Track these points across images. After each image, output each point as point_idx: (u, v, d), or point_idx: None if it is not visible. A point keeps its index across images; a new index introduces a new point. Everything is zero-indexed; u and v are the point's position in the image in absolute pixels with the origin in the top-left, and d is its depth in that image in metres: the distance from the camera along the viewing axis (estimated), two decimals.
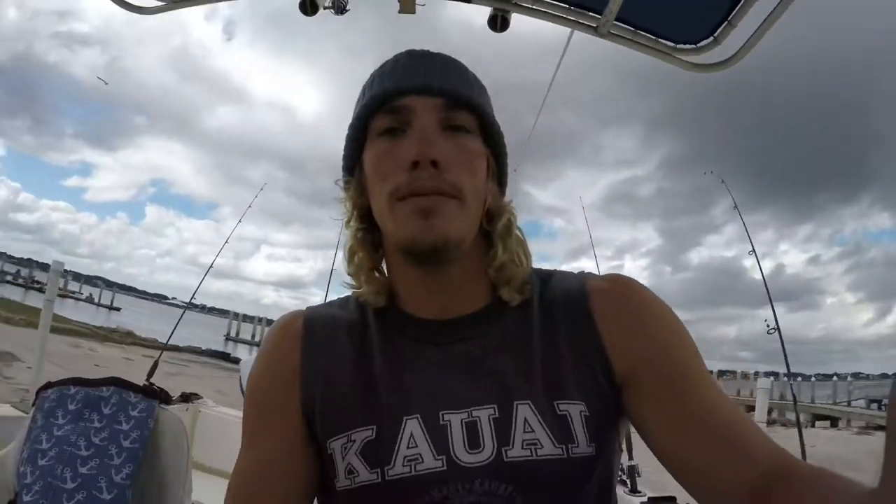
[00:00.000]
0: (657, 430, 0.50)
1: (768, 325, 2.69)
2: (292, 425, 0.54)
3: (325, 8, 1.35)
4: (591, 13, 1.34)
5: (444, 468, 0.48)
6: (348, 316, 0.59)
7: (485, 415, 0.50)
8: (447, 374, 0.53)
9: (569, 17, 1.31)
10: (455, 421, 0.50)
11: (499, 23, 1.26)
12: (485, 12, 1.28)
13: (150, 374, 2.08)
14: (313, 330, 0.58)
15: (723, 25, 1.34)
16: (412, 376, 0.53)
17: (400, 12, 1.28)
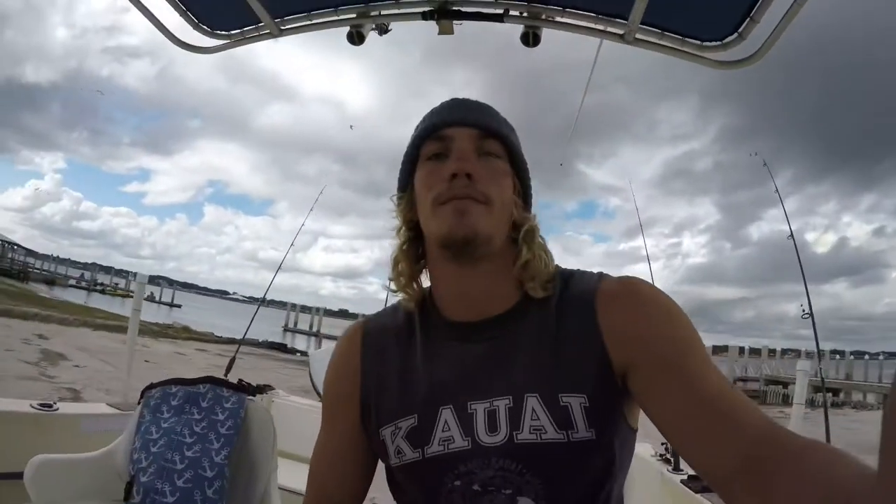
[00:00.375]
0: (657, 408, 0.56)
1: (803, 310, 2.69)
2: (353, 418, 0.69)
3: (368, 34, 1.47)
4: (617, 19, 1.41)
5: (469, 447, 0.60)
6: (396, 322, 0.72)
7: (502, 404, 0.60)
8: (474, 369, 0.63)
9: (596, 26, 1.39)
10: (480, 410, 0.61)
11: (531, 39, 1.35)
12: (518, 29, 1.38)
13: (228, 369, 2.29)
14: (369, 340, 0.72)
15: (746, 21, 1.39)
16: (447, 371, 0.64)
17: (439, 34, 1.39)
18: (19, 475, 1.38)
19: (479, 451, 0.59)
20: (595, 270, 0.69)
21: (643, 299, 0.61)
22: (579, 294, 0.64)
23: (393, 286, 0.71)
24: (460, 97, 0.73)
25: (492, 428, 0.60)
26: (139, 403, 1.45)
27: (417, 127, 0.72)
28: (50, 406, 1.88)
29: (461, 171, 0.63)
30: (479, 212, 0.62)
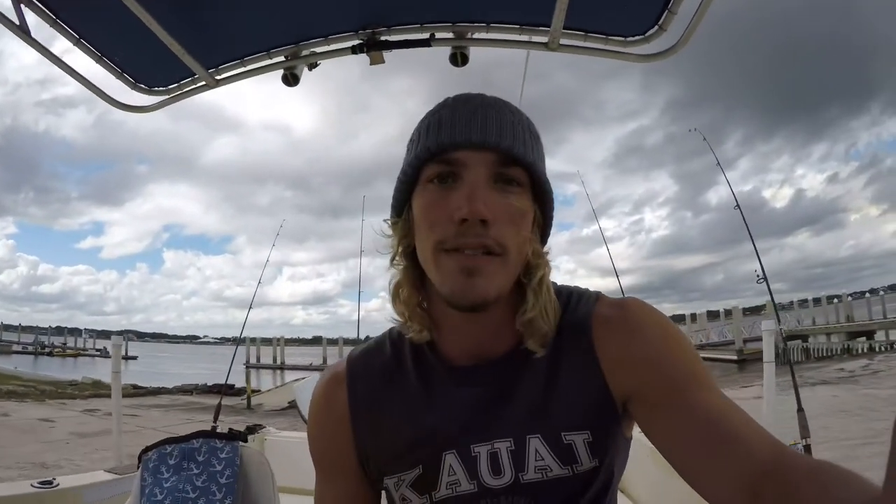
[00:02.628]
0: (661, 434, 0.55)
1: (757, 275, 2.82)
2: (353, 474, 0.65)
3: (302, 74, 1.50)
4: (540, 27, 1.46)
5: (476, 490, 0.59)
6: (384, 362, 0.66)
7: (504, 447, 0.59)
8: (474, 412, 0.60)
9: (520, 38, 1.44)
10: (483, 452, 0.59)
11: (459, 59, 1.40)
12: (446, 51, 1.42)
13: (216, 416, 2.31)
14: (356, 385, 0.65)
15: (665, 13, 1.45)
16: (447, 416, 0.61)
17: (371, 64, 1.42)
18: None
19: (485, 493, 0.59)
20: (594, 291, 0.65)
21: (640, 324, 0.59)
22: (576, 323, 0.61)
23: (399, 318, 0.63)
24: (473, 96, 0.59)
25: (495, 470, 0.59)
26: (138, 468, 1.47)
27: (419, 135, 0.59)
28: (50, 483, 1.88)
29: (475, 216, 0.53)
30: (491, 270, 0.55)
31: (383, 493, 0.67)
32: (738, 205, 2.84)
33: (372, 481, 0.65)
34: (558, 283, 0.66)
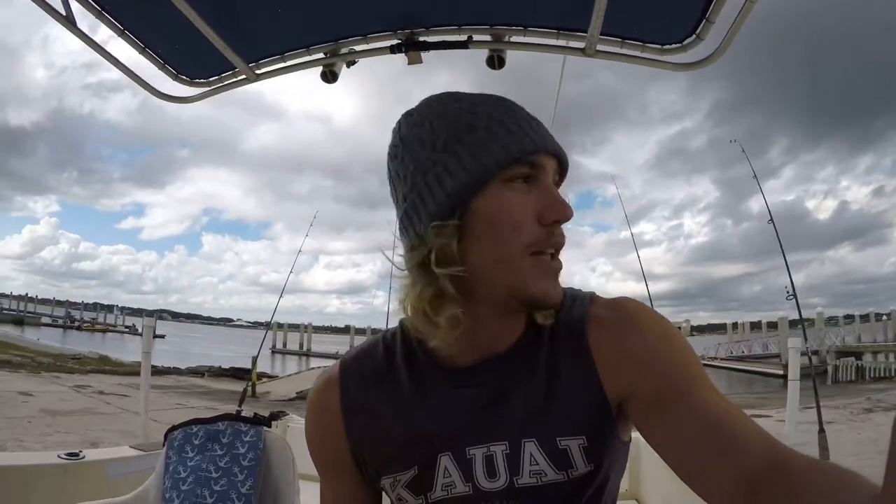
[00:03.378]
0: (658, 435, 0.55)
1: (787, 291, 2.77)
2: (350, 470, 0.66)
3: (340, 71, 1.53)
4: (577, 33, 1.47)
5: (471, 492, 0.59)
6: (376, 364, 0.66)
7: (499, 450, 0.59)
8: (470, 414, 0.60)
9: (557, 42, 1.45)
10: (478, 455, 0.59)
11: (496, 62, 1.41)
12: (483, 54, 1.44)
13: (241, 401, 2.36)
14: (348, 390, 0.65)
15: (702, 23, 1.45)
16: (442, 418, 0.61)
17: (409, 64, 1.44)
18: None
19: (480, 496, 0.59)
20: (587, 291, 0.65)
21: (635, 323, 0.59)
22: (571, 324, 0.61)
23: (427, 330, 0.58)
24: (511, 102, 0.60)
25: (490, 474, 0.59)
26: (164, 446, 1.52)
27: (480, 135, 0.56)
28: (76, 455, 1.95)
29: (566, 219, 0.56)
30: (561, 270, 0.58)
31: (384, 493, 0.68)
32: (771, 219, 2.80)
33: (370, 481, 0.66)
34: None
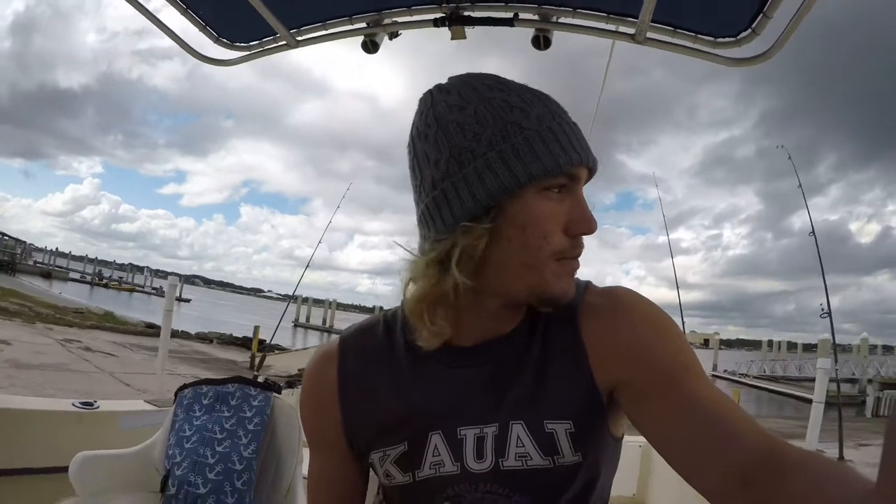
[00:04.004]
0: (649, 424, 0.54)
1: (822, 308, 2.65)
2: (340, 448, 0.66)
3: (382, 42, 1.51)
4: (628, 18, 1.42)
5: (458, 472, 0.60)
6: (376, 341, 0.66)
7: (489, 431, 0.59)
8: (463, 395, 0.61)
9: (607, 27, 1.40)
10: (469, 436, 0.60)
11: (542, 42, 1.37)
12: (528, 33, 1.39)
13: (259, 366, 2.37)
14: (346, 365, 0.66)
15: (759, 17, 1.38)
16: (436, 396, 0.61)
17: (452, 39, 1.41)
18: (64, 469, 1.47)
19: (467, 476, 0.60)
20: (583, 280, 0.65)
21: (627, 312, 0.59)
22: (565, 310, 0.61)
23: (424, 323, 0.59)
24: (561, 107, 0.59)
25: (479, 455, 0.59)
26: (173, 403, 1.53)
27: (522, 137, 0.54)
28: (91, 404, 1.99)
29: (592, 232, 0.57)
30: None
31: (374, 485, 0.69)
32: (813, 231, 2.68)
33: (358, 456, 0.66)
34: None
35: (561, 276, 0.57)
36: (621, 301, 0.60)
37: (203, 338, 18.08)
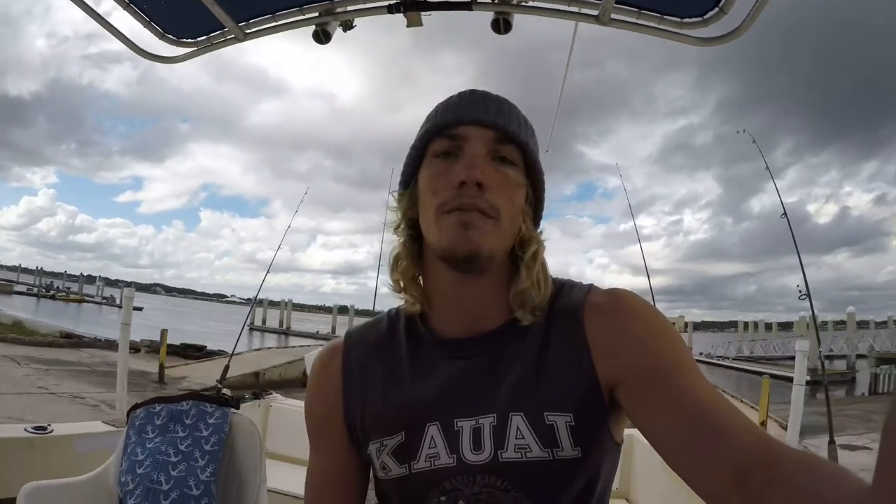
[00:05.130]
0: (647, 422, 0.55)
1: (799, 290, 2.64)
2: (340, 439, 0.67)
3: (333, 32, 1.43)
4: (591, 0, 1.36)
5: (454, 464, 0.59)
6: (378, 335, 0.69)
7: (487, 422, 0.59)
8: (462, 386, 0.62)
9: (569, 8, 1.33)
10: (466, 427, 0.60)
11: (501, 25, 1.30)
12: (488, 17, 1.33)
13: (222, 377, 2.27)
14: (350, 358, 0.69)
15: None
16: (433, 387, 0.62)
17: (408, 26, 1.34)
18: (13, 501, 1.37)
19: (464, 469, 0.59)
20: (585, 282, 0.67)
21: (631, 313, 0.60)
22: (568, 308, 0.63)
23: (394, 286, 0.66)
24: (479, 89, 0.66)
25: (476, 446, 0.59)
26: (126, 424, 1.43)
27: (428, 119, 0.66)
28: (44, 428, 1.87)
29: (472, 179, 0.58)
30: (484, 227, 0.59)
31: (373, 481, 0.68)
32: (785, 213, 2.66)
33: (358, 449, 0.67)
34: (553, 277, 0.69)
35: (447, 227, 0.59)
36: (625, 301, 0.62)
37: (131, 347, 16.93)
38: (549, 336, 0.62)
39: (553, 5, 1.33)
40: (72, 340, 15.50)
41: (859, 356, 23.15)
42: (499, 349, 0.62)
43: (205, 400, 1.36)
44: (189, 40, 1.61)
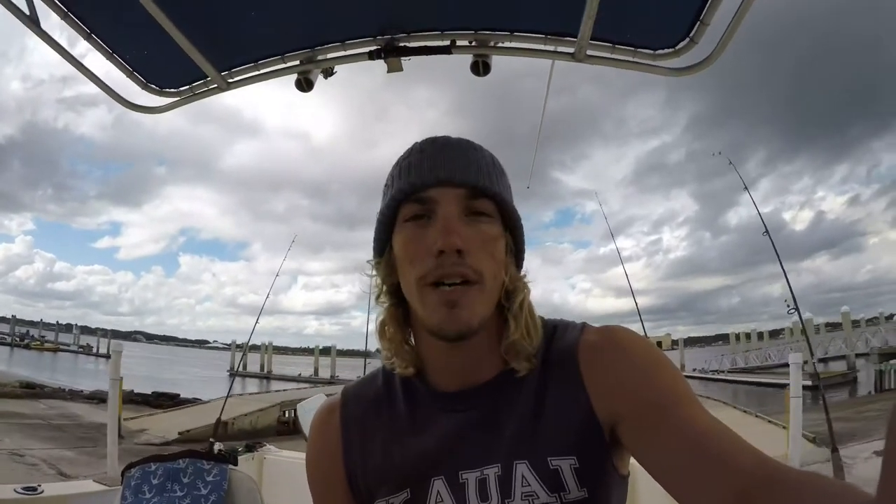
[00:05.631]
0: (649, 456, 0.55)
1: (787, 305, 2.69)
2: (344, 495, 0.67)
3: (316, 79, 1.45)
4: (566, 38, 1.40)
5: None
6: (376, 392, 0.69)
7: (492, 473, 0.60)
8: (462, 439, 0.62)
9: (546, 47, 1.37)
10: (471, 479, 0.60)
11: (481, 68, 1.33)
12: (467, 59, 1.36)
13: (214, 432, 2.23)
14: (348, 415, 0.69)
15: (696, 25, 1.38)
16: (435, 442, 0.63)
17: (388, 72, 1.36)
18: None
19: None
20: (578, 322, 0.67)
21: (625, 350, 0.61)
22: (562, 350, 0.63)
23: (386, 353, 0.66)
24: (439, 137, 0.65)
25: (483, 497, 0.59)
26: (121, 484, 1.39)
27: (392, 180, 0.64)
28: (35, 489, 1.81)
29: (450, 247, 0.57)
30: (471, 299, 0.58)
31: None
32: (766, 231, 2.73)
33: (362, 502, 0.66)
34: (546, 317, 0.68)
35: (433, 306, 0.58)
36: (619, 337, 0.62)
37: (91, 397, 15.75)
38: (545, 381, 0.62)
39: (530, 45, 1.36)
40: (31, 391, 14.82)
41: (858, 355, 22.95)
42: (496, 399, 0.63)
43: (201, 457, 1.33)
44: (172, 90, 1.61)
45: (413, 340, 0.67)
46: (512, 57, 1.37)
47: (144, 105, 1.62)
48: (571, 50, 1.37)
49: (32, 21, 1.34)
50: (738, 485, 0.46)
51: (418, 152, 0.64)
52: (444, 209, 0.59)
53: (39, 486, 1.84)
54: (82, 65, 1.53)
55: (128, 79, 1.61)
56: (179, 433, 10.55)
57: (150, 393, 16.91)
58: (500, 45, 1.34)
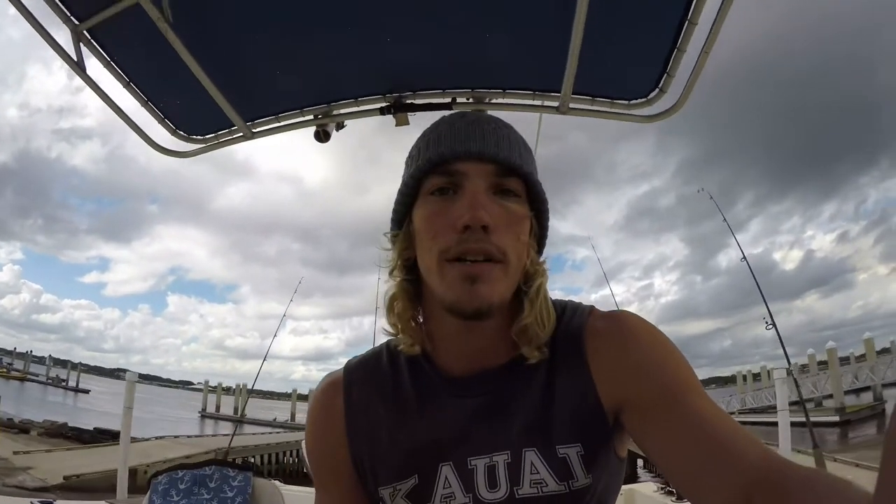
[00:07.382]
0: (652, 444, 0.55)
1: (766, 322, 2.83)
2: (347, 479, 0.65)
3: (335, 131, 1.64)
4: (551, 93, 1.60)
5: (470, 503, 0.60)
6: (381, 373, 0.66)
7: (501, 460, 0.59)
8: (472, 425, 0.61)
9: (533, 102, 1.57)
10: (480, 465, 0.60)
11: None
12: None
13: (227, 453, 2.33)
14: (351, 396, 0.66)
15: (664, 76, 1.57)
16: (444, 427, 0.61)
17: (396, 126, 1.55)
18: None
19: None
20: (587, 304, 0.66)
21: (632, 336, 0.60)
22: (569, 335, 0.62)
23: (391, 329, 0.63)
24: (470, 113, 0.63)
25: (492, 484, 0.59)
26: (147, 491, 1.53)
27: (418, 152, 0.62)
28: (50, 503, 1.93)
29: (477, 222, 0.55)
30: (493, 276, 0.56)
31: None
32: (744, 257, 2.89)
33: (368, 490, 0.65)
34: (553, 299, 0.66)
35: (453, 280, 0.56)
36: (625, 324, 0.61)
37: (54, 433, 14.77)
38: (553, 367, 0.61)
39: (520, 101, 1.56)
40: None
41: (885, 385, 22.66)
42: (506, 386, 0.61)
43: (226, 465, 1.48)
44: (199, 137, 1.80)
45: (423, 319, 0.65)
46: (504, 111, 1.56)
47: (173, 149, 1.78)
48: (556, 104, 1.56)
49: (80, 67, 1.46)
50: (744, 476, 0.46)
51: (448, 124, 0.61)
52: (473, 183, 0.57)
53: (54, 500, 1.96)
54: (121, 109, 1.69)
55: (159, 124, 1.79)
56: (65, 478, 9.13)
57: (91, 428, 15.62)
58: (493, 101, 1.53)
